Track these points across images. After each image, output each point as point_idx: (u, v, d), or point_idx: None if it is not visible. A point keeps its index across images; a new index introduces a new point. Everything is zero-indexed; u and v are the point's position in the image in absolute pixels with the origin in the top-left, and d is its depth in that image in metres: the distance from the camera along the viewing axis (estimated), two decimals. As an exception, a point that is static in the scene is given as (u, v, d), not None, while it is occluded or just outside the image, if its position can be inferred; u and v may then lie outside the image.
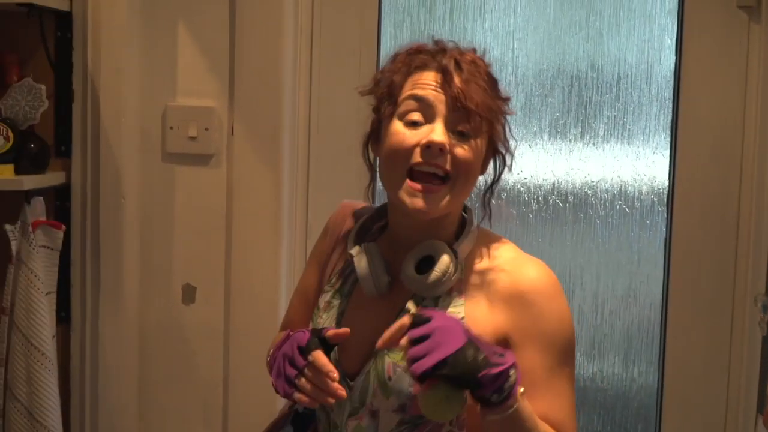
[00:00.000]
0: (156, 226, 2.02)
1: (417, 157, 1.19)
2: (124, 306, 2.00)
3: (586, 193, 2.05)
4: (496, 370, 1.08)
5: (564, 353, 1.24)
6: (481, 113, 1.20)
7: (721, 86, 1.97)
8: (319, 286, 1.38)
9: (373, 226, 1.35)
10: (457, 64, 1.21)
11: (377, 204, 1.38)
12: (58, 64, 1.97)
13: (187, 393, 2.03)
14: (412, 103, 1.21)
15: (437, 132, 1.19)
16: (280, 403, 1.43)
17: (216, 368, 2.02)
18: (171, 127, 1.99)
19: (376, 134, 1.27)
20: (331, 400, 1.17)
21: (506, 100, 1.27)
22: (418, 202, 1.19)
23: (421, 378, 1.07)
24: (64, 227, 1.94)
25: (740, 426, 1.95)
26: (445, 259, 1.21)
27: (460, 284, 1.24)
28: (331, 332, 1.20)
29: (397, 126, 1.21)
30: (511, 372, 1.10)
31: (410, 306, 1.16)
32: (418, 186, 1.19)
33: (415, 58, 1.24)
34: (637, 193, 2.04)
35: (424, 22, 2.06)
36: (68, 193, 1.99)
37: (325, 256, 1.39)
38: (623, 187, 2.04)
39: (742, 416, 1.94)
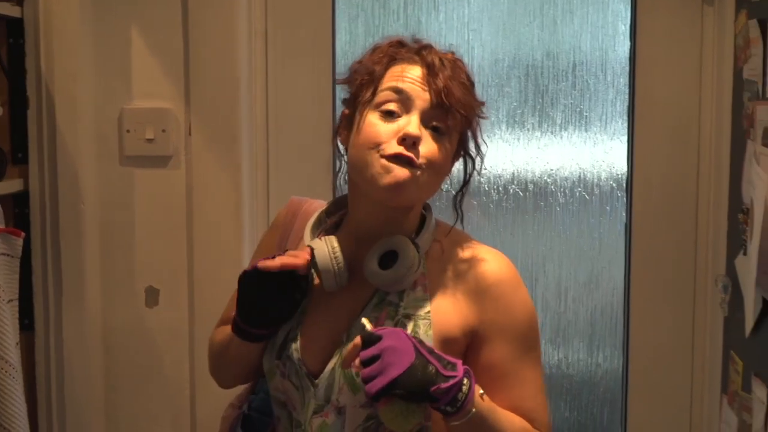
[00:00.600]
0: (116, 229, 2.01)
1: (392, 148, 1.18)
2: (87, 311, 1.99)
3: (545, 181, 2.05)
4: (446, 384, 1.11)
5: (530, 340, 1.26)
6: (462, 111, 1.21)
7: (677, 70, 1.98)
8: None
9: (327, 220, 1.34)
10: (442, 62, 1.22)
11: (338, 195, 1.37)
12: (11, 70, 1.95)
13: (154, 396, 2.03)
14: (391, 95, 1.21)
15: (413, 125, 1.19)
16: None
17: (182, 370, 2.02)
18: (128, 130, 1.98)
19: (347, 123, 1.27)
20: (293, 261, 1.20)
21: (481, 104, 1.27)
22: (395, 175, 1.18)
23: (376, 398, 1.10)
24: (23, 234, 1.92)
25: (705, 407, 1.96)
26: (410, 254, 1.21)
27: (423, 278, 1.25)
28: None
29: (373, 117, 1.21)
30: (465, 382, 1.13)
31: (365, 321, 1.15)
32: (394, 162, 1.18)
33: (398, 51, 1.25)
34: (596, 180, 2.04)
35: (378, 16, 2.06)
36: (26, 199, 1.98)
37: (272, 251, 1.38)
38: (582, 174, 2.04)
39: (707, 397, 1.96)
